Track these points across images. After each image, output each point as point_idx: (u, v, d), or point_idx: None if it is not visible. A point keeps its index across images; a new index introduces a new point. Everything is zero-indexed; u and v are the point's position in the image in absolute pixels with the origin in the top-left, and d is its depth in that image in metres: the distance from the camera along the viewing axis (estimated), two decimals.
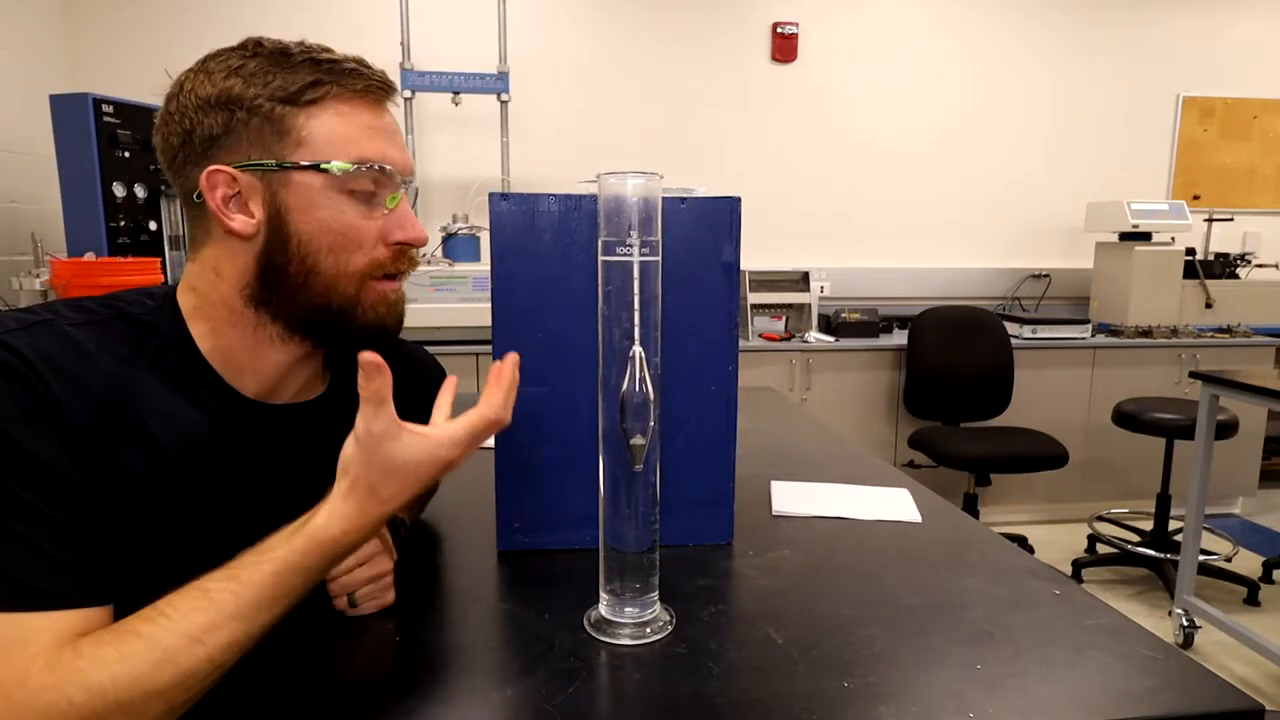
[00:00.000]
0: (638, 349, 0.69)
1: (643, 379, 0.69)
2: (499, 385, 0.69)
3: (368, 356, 0.60)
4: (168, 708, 0.54)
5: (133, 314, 0.68)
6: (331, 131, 0.67)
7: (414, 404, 0.91)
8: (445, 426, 0.65)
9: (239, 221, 0.67)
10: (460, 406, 0.69)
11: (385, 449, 0.61)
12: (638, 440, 0.70)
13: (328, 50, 0.69)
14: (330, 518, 0.61)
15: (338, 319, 0.71)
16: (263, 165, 0.67)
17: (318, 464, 0.77)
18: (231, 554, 0.69)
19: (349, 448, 0.62)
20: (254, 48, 0.68)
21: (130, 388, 0.63)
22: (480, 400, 0.68)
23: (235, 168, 0.67)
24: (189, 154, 0.68)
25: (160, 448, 0.64)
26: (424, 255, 3.11)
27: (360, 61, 0.70)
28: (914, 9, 3.70)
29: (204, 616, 0.55)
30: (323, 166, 0.67)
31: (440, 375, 0.95)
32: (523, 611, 0.77)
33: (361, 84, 0.69)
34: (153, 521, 0.63)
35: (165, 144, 0.69)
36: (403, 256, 0.73)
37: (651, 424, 0.70)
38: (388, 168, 0.69)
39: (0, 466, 0.55)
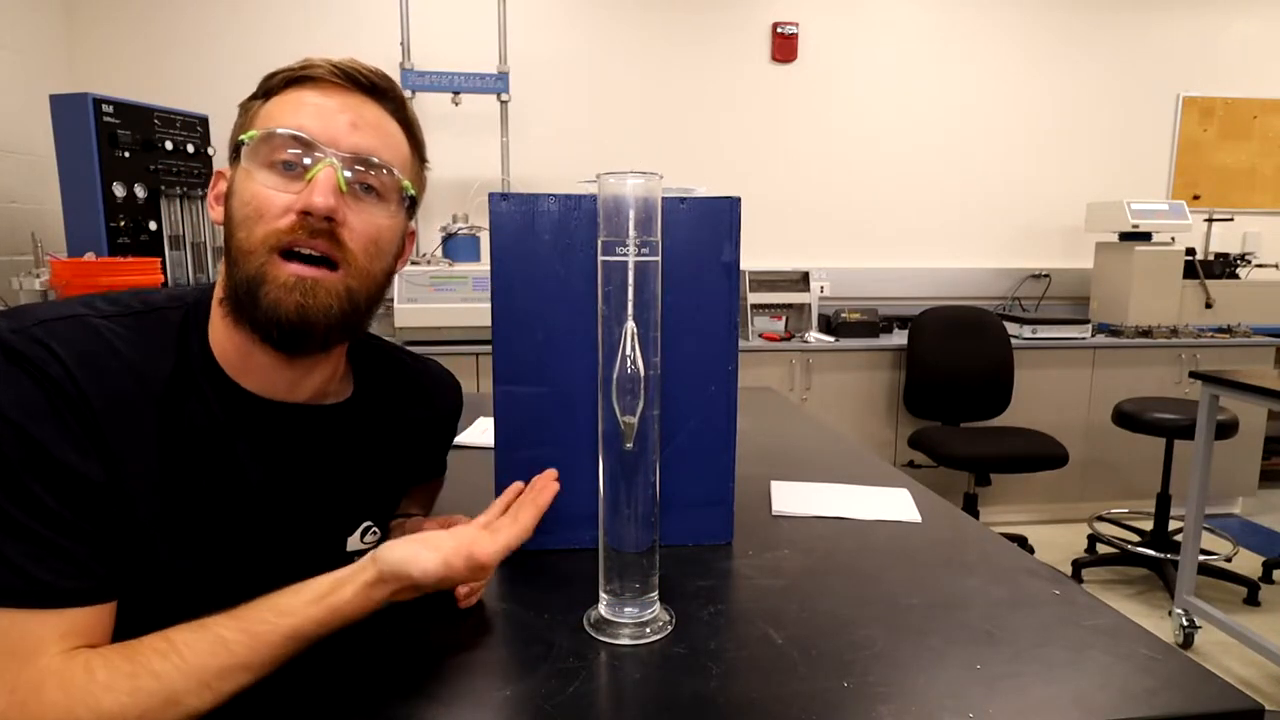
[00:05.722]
0: (630, 325, 0.69)
1: (633, 355, 0.69)
2: (535, 506, 0.76)
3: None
4: None
5: (163, 311, 0.69)
6: (269, 112, 0.69)
7: (430, 429, 0.92)
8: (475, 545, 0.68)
9: (215, 211, 0.71)
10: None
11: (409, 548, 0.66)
12: (628, 419, 0.70)
13: (350, 61, 0.71)
14: (356, 600, 0.63)
15: (246, 301, 0.66)
16: (230, 156, 0.71)
17: (332, 467, 0.77)
18: (231, 554, 0.69)
19: (396, 546, 0.65)
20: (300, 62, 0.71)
21: (151, 385, 0.64)
22: (516, 521, 0.74)
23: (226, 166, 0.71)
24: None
25: (173, 446, 0.65)
26: (424, 255, 3.11)
27: (347, 61, 0.70)
28: (914, 9, 3.70)
29: (217, 663, 0.57)
30: (239, 138, 0.69)
31: (458, 400, 0.96)
32: (523, 611, 0.77)
33: (320, 72, 0.69)
34: (159, 517, 0.64)
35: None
36: (299, 227, 0.66)
37: (641, 403, 0.70)
38: (295, 133, 0.66)
39: (19, 463, 0.56)
